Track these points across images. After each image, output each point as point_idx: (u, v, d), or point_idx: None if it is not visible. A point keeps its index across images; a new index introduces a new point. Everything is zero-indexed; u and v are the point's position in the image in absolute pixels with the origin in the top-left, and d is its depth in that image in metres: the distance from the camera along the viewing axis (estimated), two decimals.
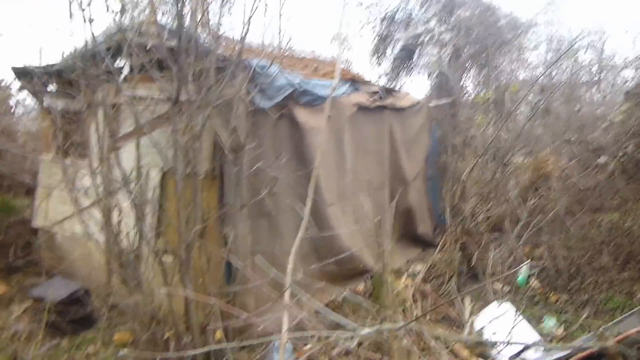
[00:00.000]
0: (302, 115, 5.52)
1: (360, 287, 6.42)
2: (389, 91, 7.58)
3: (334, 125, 6.03)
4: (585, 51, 10.30)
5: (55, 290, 5.33)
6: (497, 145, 5.83)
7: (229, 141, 4.59)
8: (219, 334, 4.56)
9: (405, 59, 12.27)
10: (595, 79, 10.04)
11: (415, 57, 12.29)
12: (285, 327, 3.74)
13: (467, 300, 5.83)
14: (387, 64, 12.66)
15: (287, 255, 5.50)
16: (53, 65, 5.69)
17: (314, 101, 5.67)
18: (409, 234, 7.78)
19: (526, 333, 4.82)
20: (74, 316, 4.97)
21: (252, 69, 4.79)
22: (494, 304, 5.09)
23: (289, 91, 5.11)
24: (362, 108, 6.64)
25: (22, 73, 6.20)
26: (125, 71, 4.49)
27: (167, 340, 4.03)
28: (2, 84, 8.70)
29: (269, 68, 4.90)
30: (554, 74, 8.61)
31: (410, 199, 7.70)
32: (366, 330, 1.93)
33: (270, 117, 5.18)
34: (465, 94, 8.97)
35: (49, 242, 6.36)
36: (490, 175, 6.11)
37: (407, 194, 7.64)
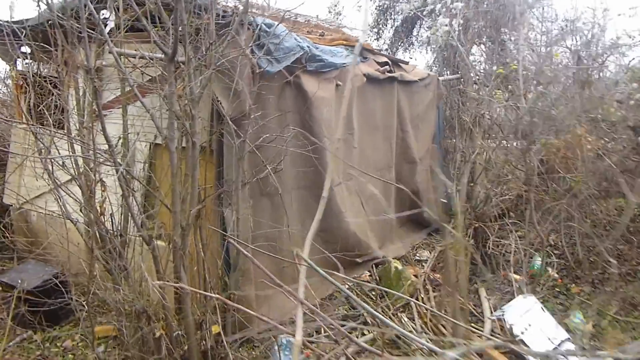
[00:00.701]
0: (310, 83, 4.93)
1: (366, 274, 5.92)
2: (397, 62, 6.99)
3: (343, 96, 5.45)
4: (591, 31, 9.84)
5: (28, 276, 4.72)
6: (519, 123, 5.31)
7: (231, 109, 3.98)
8: (216, 328, 4.02)
9: (405, 33, 11.67)
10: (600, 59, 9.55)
11: (415, 31, 11.71)
12: (299, 323, 3.21)
13: (483, 292, 5.38)
14: (385, 38, 12.08)
15: (292, 239, 4.99)
16: (27, 20, 4.97)
17: (323, 68, 5.08)
18: (414, 218, 7.28)
19: (553, 329, 4.38)
20: (48, 307, 4.35)
21: (258, 28, 4.18)
22: (520, 297, 4.62)
23: (299, 54, 4.50)
24: (371, 79, 6.06)
25: None
26: (111, 24, 3.84)
27: (159, 338, 3.47)
28: None
29: (276, 27, 4.28)
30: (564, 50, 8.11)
31: (417, 181, 7.18)
32: (456, 353, 1.40)
33: (275, 84, 4.58)
34: (474, 69, 8.39)
35: (21, 222, 5.71)
36: (512, 156, 5.62)
37: (414, 175, 7.13)
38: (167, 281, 3.46)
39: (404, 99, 6.87)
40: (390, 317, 4.78)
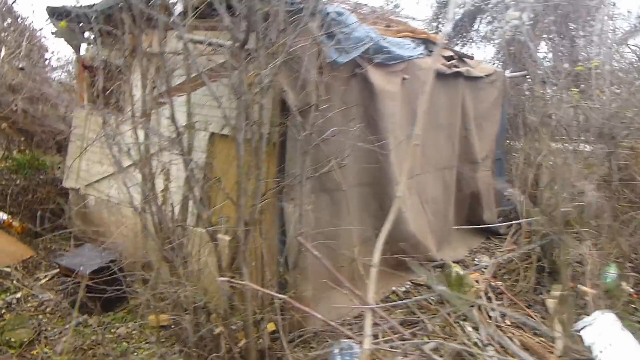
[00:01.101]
0: (377, 76, 4.71)
1: (423, 278, 5.66)
2: (462, 57, 6.67)
3: (409, 90, 5.20)
4: None
5: (85, 260, 4.73)
6: (601, 125, 4.92)
7: (297, 100, 3.82)
8: (272, 325, 3.89)
9: (465, 27, 11.25)
10: None
11: (476, 25, 11.28)
12: (368, 330, 3.03)
13: (551, 304, 5.03)
14: (444, 32, 11.67)
15: (350, 238, 4.81)
16: (94, 4, 4.96)
17: (390, 60, 4.84)
18: (473, 221, 6.94)
19: (635, 350, 4.02)
20: (103, 292, 4.30)
21: (329, 16, 3.99)
22: (597, 313, 4.27)
23: (369, 45, 4.29)
24: (436, 74, 5.77)
25: (58, 14, 5.48)
26: (179, 9, 3.73)
27: (218, 335, 3.36)
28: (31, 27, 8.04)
29: (347, 17, 4.08)
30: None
31: (478, 182, 6.85)
32: None
33: (341, 75, 4.38)
34: (542, 66, 7.95)
35: (80, 206, 5.75)
36: (587, 159, 5.23)
37: (475, 176, 6.80)
38: (228, 276, 3.33)
39: (468, 96, 6.56)
40: (451, 326, 4.54)
